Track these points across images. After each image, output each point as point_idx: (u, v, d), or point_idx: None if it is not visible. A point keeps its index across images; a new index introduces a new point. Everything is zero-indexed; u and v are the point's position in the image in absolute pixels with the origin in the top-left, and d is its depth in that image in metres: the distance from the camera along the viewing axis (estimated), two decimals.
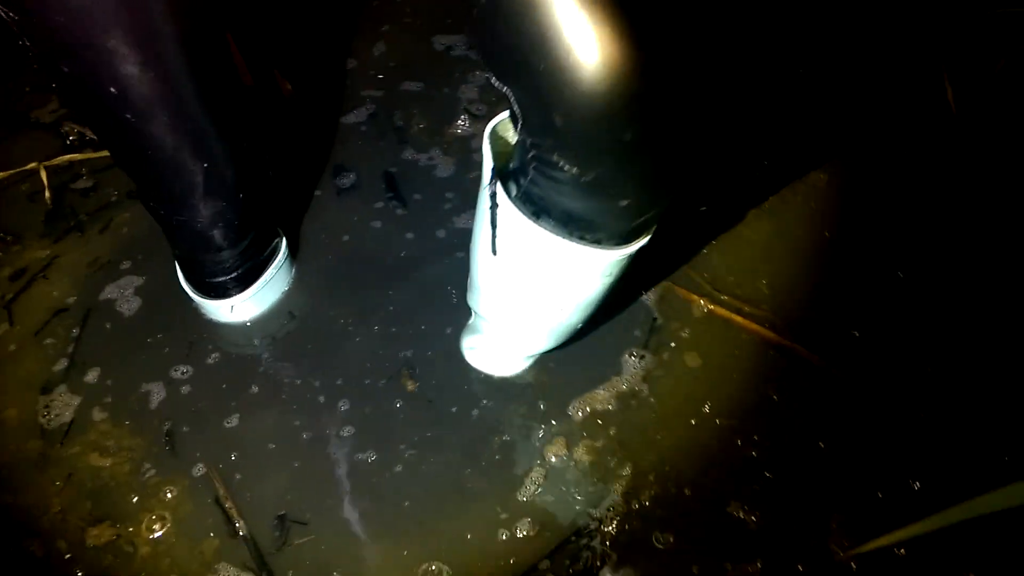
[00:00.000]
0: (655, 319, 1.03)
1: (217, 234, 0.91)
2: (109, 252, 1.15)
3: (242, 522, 0.88)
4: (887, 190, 1.15)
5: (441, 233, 1.11)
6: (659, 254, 1.09)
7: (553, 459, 0.91)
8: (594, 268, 0.70)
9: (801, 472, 0.88)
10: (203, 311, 1.05)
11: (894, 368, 0.97)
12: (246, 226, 0.94)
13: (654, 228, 0.70)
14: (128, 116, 0.73)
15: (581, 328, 0.89)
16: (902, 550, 0.79)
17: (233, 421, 0.97)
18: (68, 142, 1.34)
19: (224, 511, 0.89)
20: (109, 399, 0.99)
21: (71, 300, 1.10)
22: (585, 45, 0.49)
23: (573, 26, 0.48)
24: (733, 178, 1.16)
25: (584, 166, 0.56)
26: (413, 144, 1.22)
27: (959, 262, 1.06)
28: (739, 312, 1.03)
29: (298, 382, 0.99)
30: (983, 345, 0.98)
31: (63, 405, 0.98)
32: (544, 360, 0.99)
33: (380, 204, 1.17)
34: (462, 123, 1.22)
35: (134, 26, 0.66)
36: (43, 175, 1.28)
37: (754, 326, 1.02)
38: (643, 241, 0.69)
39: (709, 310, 1.05)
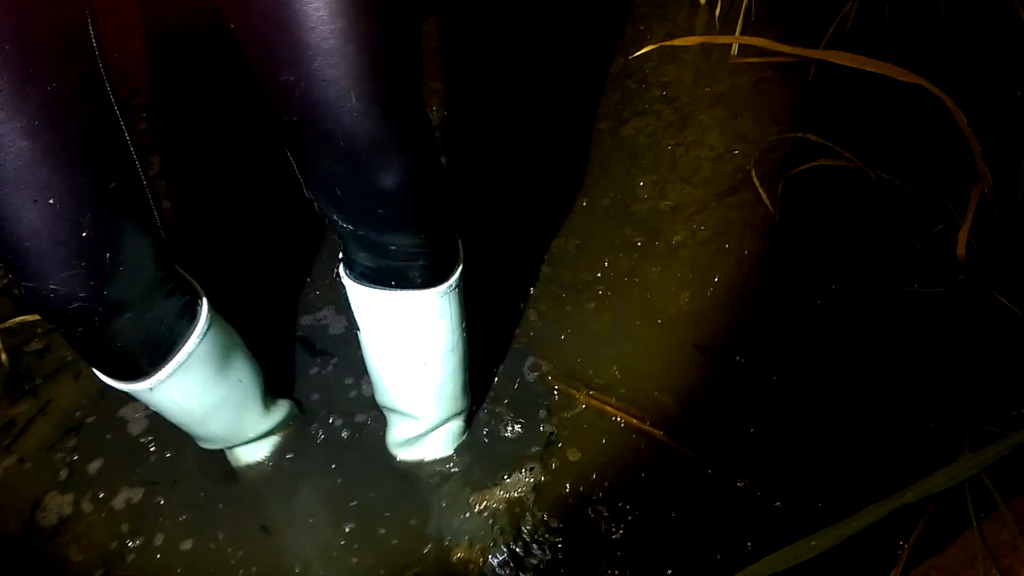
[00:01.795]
0: (551, 434, 1.21)
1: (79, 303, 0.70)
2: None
3: None
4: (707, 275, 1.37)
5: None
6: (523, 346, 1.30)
7: None
8: (418, 310, 0.90)
9: (653, 543, 1.08)
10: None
11: (728, 440, 1.17)
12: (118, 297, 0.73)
13: (453, 276, 0.91)
14: None
15: (469, 399, 1.12)
16: None
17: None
18: (20, 303, 1.50)
19: None
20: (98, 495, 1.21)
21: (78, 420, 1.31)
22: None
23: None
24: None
25: (356, 225, 0.79)
26: (307, 308, 1.41)
27: (777, 336, 1.28)
28: (609, 404, 1.23)
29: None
30: (809, 417, 1.19)
31: (60, 504, 1.20)
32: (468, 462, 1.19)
33: (315, 370, 1.33)
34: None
35: None
36: None
37: (625, 416, 1.22)
38: (443, 286, 0.90)
39: (587, 403, 1.24)
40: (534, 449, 1.20)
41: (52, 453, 1.26)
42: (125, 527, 1.17)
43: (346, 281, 0.92)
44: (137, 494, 1.21)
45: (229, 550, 1.14)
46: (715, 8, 1.82)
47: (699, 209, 1.47)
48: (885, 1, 1.63)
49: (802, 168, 1.34)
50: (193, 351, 0.87)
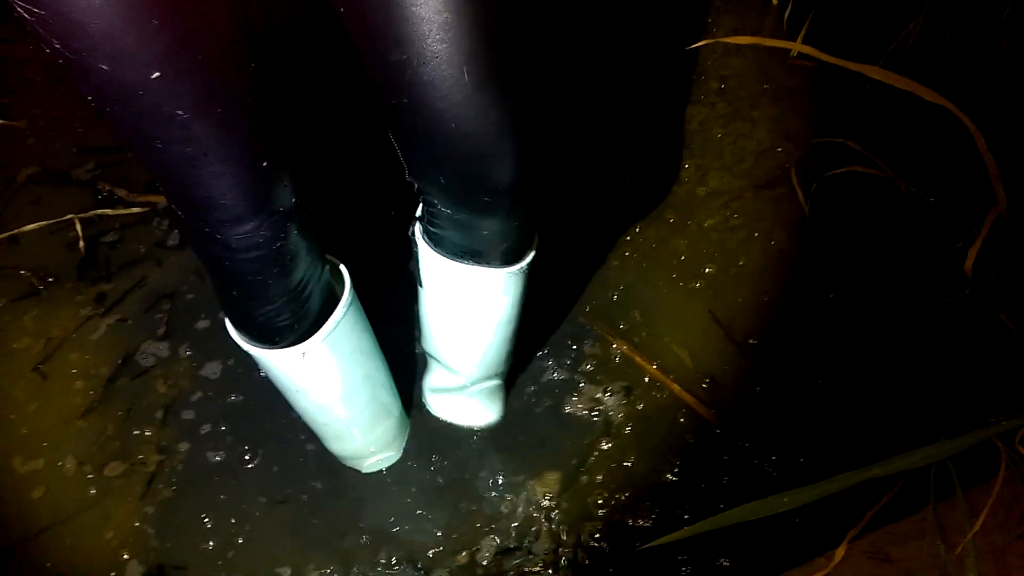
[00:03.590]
0: (566, 371, 1.33)
1: (271, 254, 0.80)
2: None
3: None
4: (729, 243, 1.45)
5: None
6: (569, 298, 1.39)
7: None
8: (486, 285, 0.92)
9: (653, 485, 1.19)
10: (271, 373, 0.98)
11: (734, 401, 1.27)
12: (297, 252, 0.83)
13: (526, 258, 0.93)
14: (179, 112, 0.64)
15: (510, 363, 1.16)
16: (686, 553, 1.10)
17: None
18: (100, 198, 1.64)
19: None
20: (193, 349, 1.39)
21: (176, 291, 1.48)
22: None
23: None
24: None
25: (455, 209, 0.82)
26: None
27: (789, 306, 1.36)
28: (631, 349, 1.34)
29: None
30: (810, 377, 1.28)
31: (157, 348, 1.40)
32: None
33: None
34: None
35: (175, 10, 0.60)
36: (78, 227, 1.58)
37: (644, 363, 1.32)
38: (514, 267, 0.92)
39: (622, 352, 1.34)
40: (554, 380, 1.32)
41: (151, 313, 1.44)
42: (199, 393, 1.34)
43: (421, 245, 0.93)
44: (216, 369, 1.37)
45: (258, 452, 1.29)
46: (785, 10, 1.87)
47: (735, 198, 1.55)
48: (949, 25, 1.67)
49: (837, 172, 1.41)
50: (342, 317, 0.92)
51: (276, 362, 0.92)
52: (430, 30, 0.65)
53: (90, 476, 1.26)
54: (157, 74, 0.61)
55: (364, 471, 1.23)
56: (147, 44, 0.60)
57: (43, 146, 1.74)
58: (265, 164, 0.73)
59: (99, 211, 1.61)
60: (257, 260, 0.79)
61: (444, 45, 0.66)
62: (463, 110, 0.69)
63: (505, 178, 0.76)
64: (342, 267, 0.96)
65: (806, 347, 1.33)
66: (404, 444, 1.26)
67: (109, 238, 1.58)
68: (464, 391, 1.19)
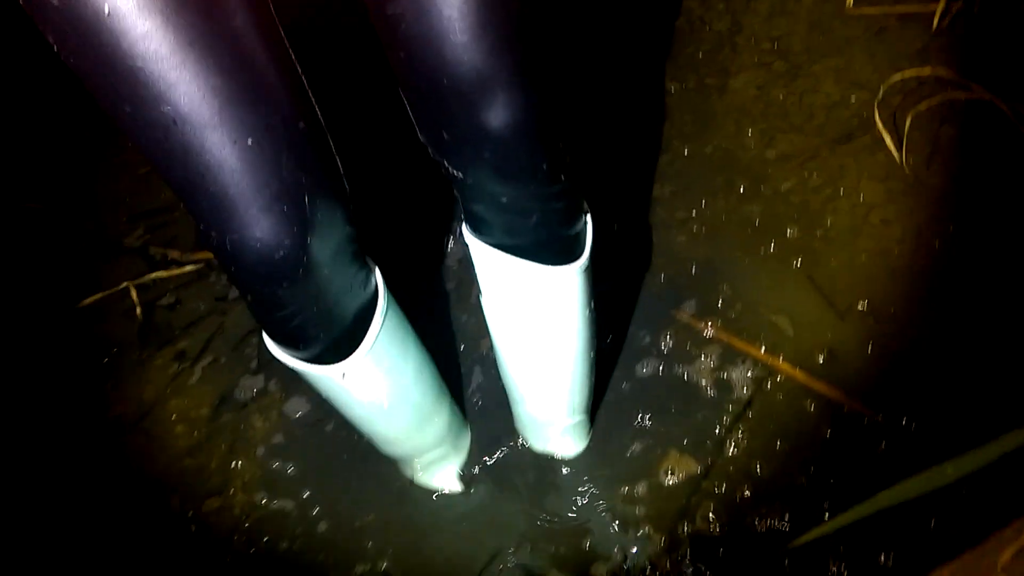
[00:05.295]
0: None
1: (283, 252, 0.71)
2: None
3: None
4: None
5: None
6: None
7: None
8: (540, 283, 0.86)
9: (786, 474, 1.06)
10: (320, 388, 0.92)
11: (851, 373, 1.14)
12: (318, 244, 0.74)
13: (581, 255, 0.85)
14: (156, 70, 0.60)
15: (590, 397, 1.09)
16: (841, 547, 0.97)
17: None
18: (154, 263, 1.61)
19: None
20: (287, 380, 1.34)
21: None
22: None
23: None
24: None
25: (466, 172, 0.76)
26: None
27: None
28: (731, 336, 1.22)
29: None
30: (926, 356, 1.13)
31: (254, 382, 1.36)
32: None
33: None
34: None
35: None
36: (133, 294, 1.54)
37: (746, 346, 1.20)
38: (566, 266, 0.84)
39: (716, 331, 1.24)
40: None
41: (241, 350, 1.41)
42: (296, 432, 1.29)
43: (468, 236, 0.87)
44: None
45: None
46: None
47: (811, 157, 1.42)
48: None
49: (932, 104, 1.28)
50: (380, 331, 0.86)
51: (313, 378, 0.88)
52: None
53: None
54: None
55: (419, 483, 1.18)
56: None
57: (95, 220, 1.72)
58: (251, 142, 0.66)
59: (153, 275, 1.57)
60: (260, 268, 0.72)
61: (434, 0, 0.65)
62: (454, 65, 0.67)
63: (501, 126, 0.71)
64: (377, 272, 0.87)
65: (922, 304, 1.19)
66: (466, 447, 1.20)
67: (166, 300, 1.54)
68: (552, 426, 1.13)
